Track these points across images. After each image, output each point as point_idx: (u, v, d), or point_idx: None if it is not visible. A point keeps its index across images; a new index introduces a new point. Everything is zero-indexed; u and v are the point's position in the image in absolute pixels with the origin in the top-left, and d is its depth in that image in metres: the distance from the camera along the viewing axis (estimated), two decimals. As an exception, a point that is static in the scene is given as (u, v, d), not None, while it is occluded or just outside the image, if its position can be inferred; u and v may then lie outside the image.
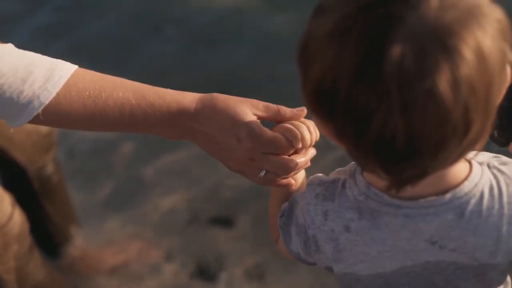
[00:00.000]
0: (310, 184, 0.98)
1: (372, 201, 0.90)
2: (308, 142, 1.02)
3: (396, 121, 0.74)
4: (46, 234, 2.06)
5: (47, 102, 0.99)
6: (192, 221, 2.28)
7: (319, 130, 0.90)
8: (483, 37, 0.73)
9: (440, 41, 0.72)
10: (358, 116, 0.76)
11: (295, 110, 1.03)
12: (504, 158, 0.92)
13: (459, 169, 0.87)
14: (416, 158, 0.77)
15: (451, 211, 0.87)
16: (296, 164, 1.03)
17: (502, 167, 0.89)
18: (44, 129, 1.85)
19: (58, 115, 1.01)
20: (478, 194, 0.87)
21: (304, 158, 1.04)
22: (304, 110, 1.03)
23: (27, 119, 1.01)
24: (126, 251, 2.20)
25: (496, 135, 1.03)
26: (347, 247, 0.94)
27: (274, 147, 1.02)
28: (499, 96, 0.80)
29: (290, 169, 1.03)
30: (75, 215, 2.12)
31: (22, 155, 1.84)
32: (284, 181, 1.07)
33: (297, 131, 1.02)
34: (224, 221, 2.27)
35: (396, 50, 0.71)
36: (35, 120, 1.01)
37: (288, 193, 1.09)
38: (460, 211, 0.87)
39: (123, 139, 2.51)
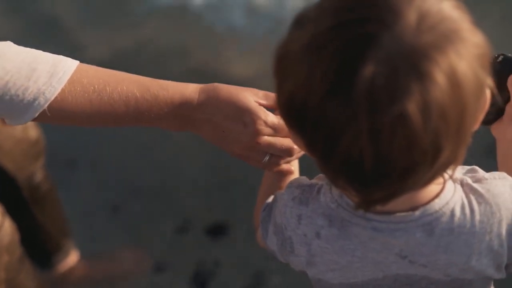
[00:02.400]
0: (289, 186, 0.98)
1: (343, 210, 0.90)
2: None
3: (363, 144, 0.72)
4: (37, 244, 2.03)
5: (52, 98, 0.99)
6: (186, 229, 2.26)
7: (294, 142, 0.91)
8: (458, 63, 0.72)
9: (413, 64, 0.70)
10: (327, 135, 0.74)
11: None
12: (479, 174, 0.91)
13: (431, 186, 0.85)
14: (385, 182, 0.76)
15: (420, 228, 0.86)
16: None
17: (475, 185, 0.88)
18: (33, 136, 1.85)
19: (64, 111, 1.01)
20: (448, 212, 0.86)
21: None
22: None
23: (32, 116, 1.00)
24: (119, 261, 2.18)
25: None
26: (318, 253, 0.93)
27: (279, 129, 1.07)
28: (475, 123, 0.78)
29: (293, 150, 1.08)
30: (67, 224, 2.10)
31: (11, 163, 1.82)
32: (285, 166, 1.12)
33: None
34: (219, 229, 2.24)
35: (367, 71, 0.70)
36: (41, 118, 1.01)
37: (280, 182, 1.13)
38: (430, 228, 0.86)
39: (115, 146, 2.48)
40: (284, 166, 1.12)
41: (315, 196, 0.93)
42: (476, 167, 0.93)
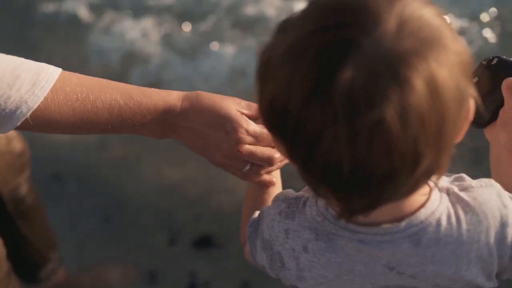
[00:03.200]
0: (275, 200, 0.98)
1: (329, 223, 0.89)
2: None
3: (341, 148, 0.72)
4: (24, 258, 2.00)
5: (35, 107, 0.99)
6: (175, 242, 2.25)
7: (277, 148, 0.90)
8: (438, 69, 0.71)
9: (392, 70, 0.70)
10: (306, 140, 0.74)
11: None
12: (466, 183, 0.90)
13: (416, 196, 0.85)
14: (364, 189, 0.76)
15: (407, 239, 0.85)
16: (279, 155, 1.09)
17: (462, 194, 0.88)
18: (17, 149, 1.82)
19: (47, 119, 1.01)
20: (434, 222, 0.85)
21: None
22: None
23: (14, 125, 1.00)
24: (106, 274, 2.16)
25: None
26: (307, 268, 0.93)
27: (260, 138, 1.08)
28: (457, 132, 0.78)
29: (274, 159, 1.09)
30: (53, 237, 2.07)
31: (-5, 176, 1.79)
32: (266, 177, 1.12)
33: None
34: (207, 241, 2.24)
35: (346, 75, 0.70)
36: (24, 126, 1.01)
37: (263, 195, 1.13)
38: (416, 239, 0.85)
39: (103, 162, 2.47)
40: (266, 177, 1.13)
41: (301, 210, 0.93)
42: (464, 175, 0.92)
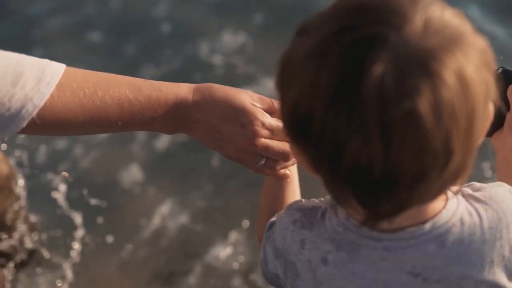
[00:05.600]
0: (289, 208, 0.95)
1: (351, 233, 0.87)
2: None
3: (373, 147, 0.71)
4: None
5: (41, 105, 0.94)
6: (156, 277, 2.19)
7: (296, 159, 0.90)
8: (466, 64, 0.72)
9: (422, 64, 0.70)
10: (333, 143, 0.73)
11: None
12: (476, 185, 0.90)
13: (435, 202, 0.84)
14: (393, 189, 0.74)
15: (432, 241, 0.84)
16: None
17: (476, 194, 0.88)
18: (3, 172, 1.78)
19: (54, 118, 0.96)
20: (458, 222, 0.85)
21: None
22: None
23: (20, 126, 0.94)
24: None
25: None
26: (325, 281, 0.90)
27: (276, 132, 1.05)
28: (482, 132, 0.78)
29: (290, 154, 1.06)
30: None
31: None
32: (281, 171, 1.09)
33: None
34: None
35: (376, 70, 0.69)
36: (30, 127, 0.95)
37: (279, 192, 1.11)
38: (441, 241, 0.84)
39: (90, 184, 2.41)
40: (280, 171, 1.10)
41: (320, 221, 0.90)
42: (472, 182, 0.92)
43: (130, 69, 2.73)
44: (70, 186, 2.30)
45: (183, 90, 1.03)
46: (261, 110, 1.04)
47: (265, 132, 1.04)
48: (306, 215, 0.92)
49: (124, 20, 3.00)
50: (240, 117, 1.03)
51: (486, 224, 0.85)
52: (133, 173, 2.44)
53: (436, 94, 0.70)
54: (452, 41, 0.72)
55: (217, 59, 2.80)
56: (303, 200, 0.97)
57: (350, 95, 0.70)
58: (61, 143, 2.49)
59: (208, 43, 2.87)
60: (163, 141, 2.50)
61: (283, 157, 1.06)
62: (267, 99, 1.06)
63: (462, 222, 0.85)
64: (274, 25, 2.90)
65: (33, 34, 2.95)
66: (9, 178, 1.81)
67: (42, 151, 2.46)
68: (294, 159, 1.08)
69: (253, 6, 2.99)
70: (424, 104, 0.69)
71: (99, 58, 2.80)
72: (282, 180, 1.12)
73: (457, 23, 0.75)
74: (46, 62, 0.96)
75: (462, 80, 0.71)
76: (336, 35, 0.72)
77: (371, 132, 0.70)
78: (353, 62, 0.70)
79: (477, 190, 0.89)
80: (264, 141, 1.04)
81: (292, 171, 1.12)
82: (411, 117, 0.69)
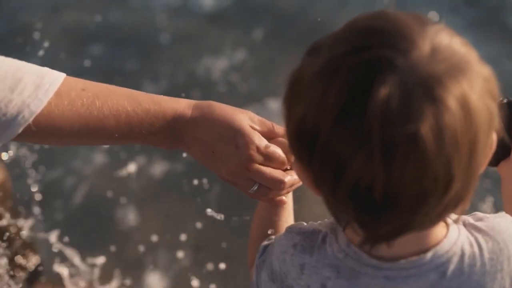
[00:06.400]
0: (288, 231, 0.94)
1: (351, 260, 0.86)
2: None
3: (375, 167, 0.72)
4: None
5: (38, 111, 0.93)
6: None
7: (299, 177, 0.88)
8: (470, 92, 0.73)
9: (427, 89, 0.71)
10: (337, 160, 0.74)
11: None
12: (479, 214, 0.90)
13: (437, 228, 0.84)
14: (393, 211, 0.75)
15: (433, 271, 0.84)
16: (289, 180, 1.03)
17: (478, 224, 0.88)
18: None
19: (50, 126, 0.95)
20: (459, 252, 0.84)
21: (296, 176, 1.04)
22: None
23: (15, 132, 0.93)
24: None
25: None
26: None
27: (272, 158, 1.02)
28: (484, 161, 0.78)
29: (282, 184, 1.03)
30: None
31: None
32: (276, 198, 1.07)
33: None
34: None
35: (383, 92, 0.70)
36: (26, 134, 0.94)
37: (273, 217, 1.09)
38: (442, 270, 0.84)
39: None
40: (275, 196, 1.06)
41: (321, 245, 0.89)
42: (476, 212, 0.91)
43: (128, 83, 2.72)
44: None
45: (182, 106, 1.02)
46: (259, 134, 1.02)
47: (259, 157, 1.01)
48: (306, 239, 0.91)
49: (122, 33, 3.00)
50: (236, 138, 1.00)
51: (486, 255, 0.84)
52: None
53: (439, 120, 0.71)
54: (458, 69, 0.73)
55: (217, 74, 2.81)
56: (304, 223, 0.96)
57: (356, 114, 0.71)
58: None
59: (208, 57, 2.87)
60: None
61: (276, 185, 1.03)
62: (268, 123, 1.04)
63: (462, 252, 0.84)
64: (275, 39, 2.91)
65: (31, 46, 2.95)
66: (3, 185, 1.80)
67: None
68: (288, 188, 1.05)
69: (253, 20, 3.00)
70: (426, 128, 0.70)
71: (97, 73, 2.80)
72: (277, 206, 1.09)
73: (463, 51, 0.75)
74: (46, 70, 0.96)
75: (466, 107, 0.72)
76: (345, 56, 0.74)
77: (374, 151, 0.71)
78: (361, 82, 0.72)
79: (479, 220, 0.88)
80: (257, 166, 1.02)
81: (287, 197, 1.10)
82: (413, 140, 0.70)
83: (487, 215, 0.89)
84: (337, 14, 2.99)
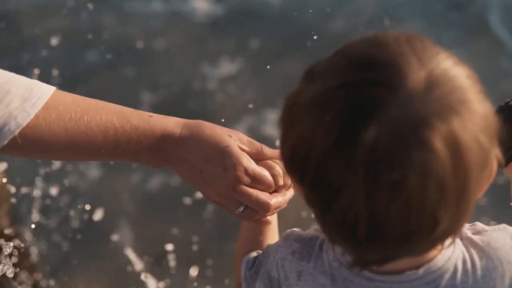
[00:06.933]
0: (286, 238, 0.95)
1: (345, 270, 0.87)
2: (289, 182, 1.04)
3: (359, 208, 0.72)
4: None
5: (24, 124, 0.92)
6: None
7: (294, 190, 0.90)
8: (461, 132, 0.71)
9: (415, 133, 0.70)
10: (325, 194, 0.75)
11: (277, 150, 1.06)
12: (478, 226, 0.89)
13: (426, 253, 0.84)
14: (379, 246, 0.76)
15: (425, 286, 0.84)
16: (275, 202, 1.04)
17: (475, 238, 0.87)
18: None
19: (36, 139, 0.94)
20: (451, 268, 0.84)
21: (283, 197, 1.05)
22: None
23: (1, 143, 0.92)
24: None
25: None
26: None
27: (259, 181, 1.02)
28: (478, 193, 0.77)
29: (269, 207, 1.03)
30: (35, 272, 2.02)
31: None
32: (262, 218, 1.07)
33: (280, 169, 1.03)
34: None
35: (369, 135, 0.70)
36: (11, 146, 0.93)
37: (259, 236, 1.09)
38: (434, 286, 0.84)
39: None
40: (261, 218, 1.07)
41: (318, 253, 0.90)
42: (477, 223, 0.91)
43: (124, 93, 2.73)
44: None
45: (172, 124, 1.02)
46: (247, 156, 1.02)
47: (247, 179, 1.01)
48: (305, 246, 0.92)
49: (119, 43, 3.00)
50: (224, 159, 1.00)
51: (479, 273, 0.84)
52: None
53: (425, 167, 0.69)
54: (452, 108, 0.71)
55: (212, 85, 2.80)
56: (297, 229, 0.97)
57: (343, 155, 0.71)
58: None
59: (204, 68, 2.87)
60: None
61: (262, 208, 1.03)
62: (257, 144, 1.04)
63: (455, 269, 0.84)
64: (271, 49, 2.91)
65: (27, 54, 2.94)
66: (2, 188, 1.81)
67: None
68: (274, 210, 1.05)
69: (249, 28, 3.00)
70: (411, 178, 0.69)
71: (93, 82, 2.80)
72: (262, 225, 1.09)
73: (464, 87, 0.73)
74: (35, 82, 0.95)
75: (455, 150, 0.70)
76: (336, 90, 0.73)
77: (359, 193, 0.71)
78: (348, 123, 0.71)
79: (478, 232, 0.88)
80: (244, 188, 1.01)
81: (272, 216, 1.10)
82: (396, 188, 0.70)
83: (486, 228, 0.88)
84: (334, 21, 2.99)
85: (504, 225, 0.89)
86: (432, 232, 0.74)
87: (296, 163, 0.77)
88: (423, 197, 0.70)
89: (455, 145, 0.70)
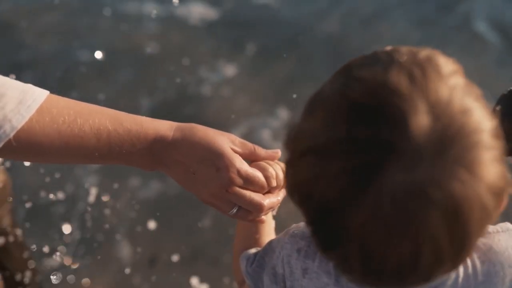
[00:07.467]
0: (292, 235, 0.95)
1: None
2: (282, 182, 1.04)
3: (354, 265, 0.74)
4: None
5: (19, 127, 0.92)
6: None
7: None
8: (463, 203, 0.69)
9: (414, 200, 0.68)
10: (322, 238, 0.76)
11: (269, 151, 1.06)
12: None
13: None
14: (376, 284, 0.77)
15: None
16: (268, 203, 1.04)
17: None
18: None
19: (30, 142, 0.94)
20: (453, 275, 0.84)
21: (276, 198, 1.05)
22: (278, 153, 1.06)
23: None
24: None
25: None
26: None
27: (252, 182, 1.02)
28: (479, 235, 0.75)
29: (262, 207, 1.03)
30: (35, 273, 2.01)
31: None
32: (256, 218, 1.07)
33: (272, 170, 1.03)
34: None
35: (368, 203, 0.69)
36: (6, 149, 0.93)
37: (255, 235, 1.10)
38: None
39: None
40: (255, 218, 1.07)
41: None
42: None
43: (120, 97, 2.73)
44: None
45: (164, 127, 1.02)
46: (240, 157, 1.02)
47: (240, 180, 1.01)
48: (310, 245, 0.92)
49: (114, 47, 3.00)
50: (217, 161, 1.00)
51: (480, 278, 0.84)
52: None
53: (419, 238, 0.69)
54: (460, 162, 0.68)
55: (208, 89, 2.81)
56: (303, 224, 0.96)
57: (342, 215, 0.71)
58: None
59: (200, 72, 2.87)
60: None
61: (255, 208, 1.03)
62: (250, 145, 1.04)
63: (457, 275, 0.84)
64: (267, 55, 2.92)
65: (23, 59, 2.95)
66: (4, 188, 1.79)
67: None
68: (267, 210, 1.05)
69: (246, 34, 3.00)
70: (404, 250, 0.70)
71: (90, 85, 2.80)
72: (257, 224, 1.10)
73: (474, 128, 0.70)
74: (29, 86, 0.96)
75: (452, 217, 0.69)
76: (339, 146, 0.71)
77: (353, 255, 0.72)
78: (348, 186, 0.70)
79: None
80: (237, 189, 1.01)
81: (267, 214, 1.10)
82: (391, 259, 0.71)
83: (489, 228, 0.87)
84: (328, 23, 3.00)
85: (507, 225, 0.88)
86: (429, 279, 0.75)
87: (298, 198, 0.77)
88: (416, 265, 0.71)
89: (454, 216, 0.69)
